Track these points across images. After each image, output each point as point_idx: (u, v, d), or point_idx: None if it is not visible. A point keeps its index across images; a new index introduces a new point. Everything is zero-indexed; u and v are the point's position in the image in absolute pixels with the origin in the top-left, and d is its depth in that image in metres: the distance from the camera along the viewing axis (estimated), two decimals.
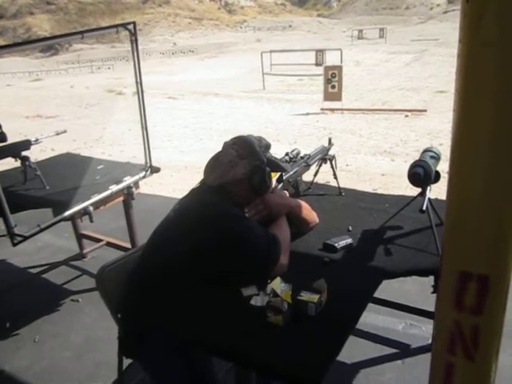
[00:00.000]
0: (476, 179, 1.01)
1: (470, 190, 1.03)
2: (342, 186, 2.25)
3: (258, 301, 1.35)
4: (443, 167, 1.82)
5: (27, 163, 2.64)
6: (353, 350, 2.16)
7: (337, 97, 10.15)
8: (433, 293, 1.63)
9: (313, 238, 1.80)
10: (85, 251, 3.38)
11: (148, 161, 2.84)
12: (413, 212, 1.81)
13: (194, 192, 1.60)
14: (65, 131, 3.07)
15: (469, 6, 0.90)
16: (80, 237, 3.39)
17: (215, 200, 1.50)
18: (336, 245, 1.69)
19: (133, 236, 2.97)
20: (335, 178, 2.22)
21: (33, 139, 2.78)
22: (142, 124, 2.76)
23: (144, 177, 2.83)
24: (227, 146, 1.59)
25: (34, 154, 2.86)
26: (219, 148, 1.62)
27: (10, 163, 2.78)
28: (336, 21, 56.77)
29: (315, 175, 2.26)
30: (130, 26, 2.52)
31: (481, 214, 1.02)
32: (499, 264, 1.05)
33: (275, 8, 66.90)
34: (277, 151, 1.88)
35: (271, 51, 16.88)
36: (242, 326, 1.32)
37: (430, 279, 1.65)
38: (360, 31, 33.55)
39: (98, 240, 3.37)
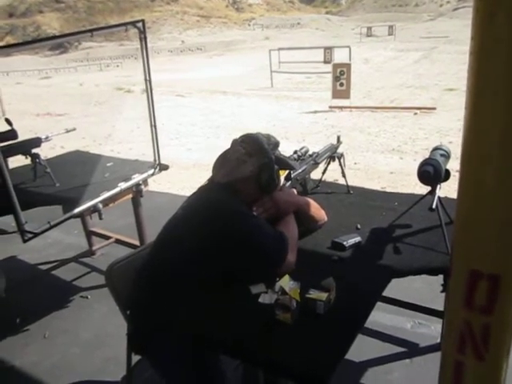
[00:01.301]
0: (487, 178, 1.00)
1: (480, 189, 1.02)
2: (350, 184, 2.24)
3: (266, 298, 1.35)
4: (453, 165, 1.81)
5: (37, 160, 2.66)
6: (361, 349, 2.15)
7: (345, 94, 10.10)
8: (442, 292, 1.62)
9: (321, 236, 1.80)
10: (94, 248, 3.40)
11: (156, 158, 2.85)
12: (422, 210, 1.80)
13: (202, 189, 1.60)
14: (74, 129, 3.08)
15: (481, 2, 0.89)
16: (89, 234, 3.41)
17: (223, 198, 1.50)
18: (344, 243, 1.68)
19: (141, 233, 2.98)
20: (343, 176, 2.21)
21: (43, 137, 2.79)
22: (150, 122, 2.76)
23: (153, 174, 2.84)
24: (236, 143, 1.59)
25: (44, 152, 2.88)
26: (227, 146, 1.62)
27: (20, 160, 2.80)
28: (344, 18, 56.49)
29: (323, 173, 2.25)
30: (139, 24, 2.53)
31: (491, 213, 1.01)
32: (510, 263, 1.04)
33: (283, 5, 66.75)
34: (285, 149, 1.88)
35: (279, 49, 16.84)
36: (251, 324, 1.32)
37: (439, 278, 1.63)
38: (369, 28, 33.39)
39: (107, 237, 3.39)
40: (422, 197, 1.86)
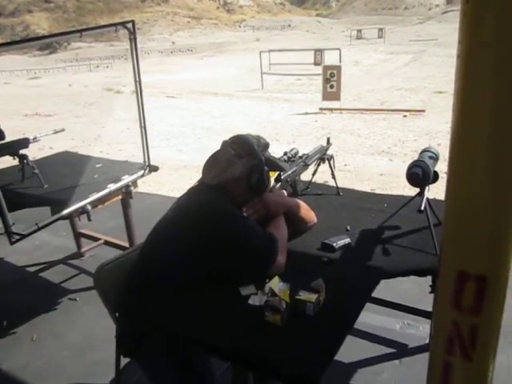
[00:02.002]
0: (474, 179, 1.01)
1: (468, 191, 1.03)
2: (340, 185, 2.25)
3: (256, 300, 1.35)
4: (441, 167, 1.82)
5: (25, 161, 2.63)
6: (350, 350, 2.16)
7: (335, 96, 10.16)
8: (431, 293, 1.63)
9: (311, 237, 1.80)
10: (82, 250, 3.37)
11: (146, 159, 2.84)
12: (411, 212, 1.81)
13: (192, 191, 1.60)
14: (63, 129, 3.06)
15: (469, 6, 0.90)
16: (78, 235, 3.38)
17: (213, 199, 1.50)
18: (334, 244, 1.68)
19: (131, 235, 2.96)
20: (333, 177, 2.21)
21: (31, 137, 2.77)
22: (140, 123, 2.75)
23: (142, 175, 2.83)
24: (226, 144, 1.59)
25: (32, 153, 2.84)
26: (218, 147, 1.62)
27: (8, 161, 2.77)
28: (335, 20, 56.79)
29: (313, 175, 2.26)
30: (129, 25, 2.52)
31: (479, 215, 1.03)
32: (497, 264, 1.06)
33: (274, 7, 66.89)
34: (275, 150, 1.88)
35: (270, 51, 16.89)
36: (240, 325, 1.31)
37: (428, 279, 1.65)
38: (359, 31, 33.54)
39: (96, 239, 3.36)
40: (411, 198, 1.87)
